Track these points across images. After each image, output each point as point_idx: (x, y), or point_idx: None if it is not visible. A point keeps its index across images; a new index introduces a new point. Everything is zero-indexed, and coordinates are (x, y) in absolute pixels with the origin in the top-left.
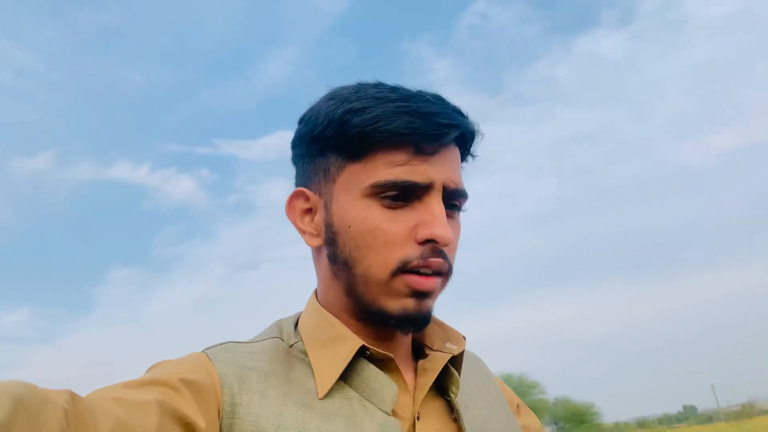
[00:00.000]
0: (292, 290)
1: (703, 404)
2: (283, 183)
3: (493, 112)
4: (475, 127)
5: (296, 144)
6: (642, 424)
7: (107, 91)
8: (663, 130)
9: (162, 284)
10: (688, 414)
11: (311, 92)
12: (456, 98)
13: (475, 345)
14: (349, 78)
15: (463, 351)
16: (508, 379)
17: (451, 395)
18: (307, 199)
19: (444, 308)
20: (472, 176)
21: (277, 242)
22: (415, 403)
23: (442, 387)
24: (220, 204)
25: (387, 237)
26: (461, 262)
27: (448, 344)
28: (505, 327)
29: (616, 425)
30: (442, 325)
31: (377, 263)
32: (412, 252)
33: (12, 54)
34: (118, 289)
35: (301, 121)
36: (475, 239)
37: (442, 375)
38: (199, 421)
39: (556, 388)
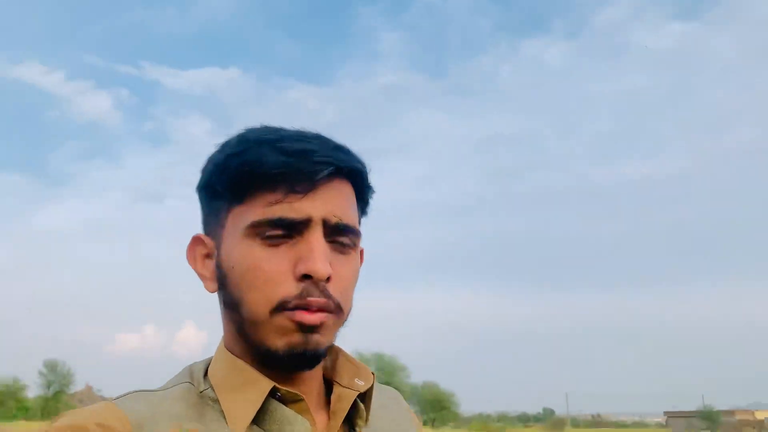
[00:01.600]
0: (194, 232)
1: (558, 409)
2: (203, 121)
3: (430, 96)
4: (357, 163)
5: (197, 192)
6: (502, 418)
7: None
8: (584, 147)
9: (53, 200)
10: (546, 416)
11: (250, 33)
12: (397, 74)
13: (357, 320)
14: (291, 28)
15: (372, 386)
16: (379, 359)
17: (357, 429)
18: (205, 244)
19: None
20: (398, 156)
21: (186, 181)
22: None
23: (351, 423)
24: (134, 129)
25: (267, 275)
26: (378, 240)
27: (356, 380)
28: (390, 308)
29: (479, 415)
30: (352, 361)
31: (258, 302)
32: (291, 290)
33: None
34: (2, 197)
35: (202, 170)
36: (387, 219)
37: (352, 411)
38: None
39: (425, 373)
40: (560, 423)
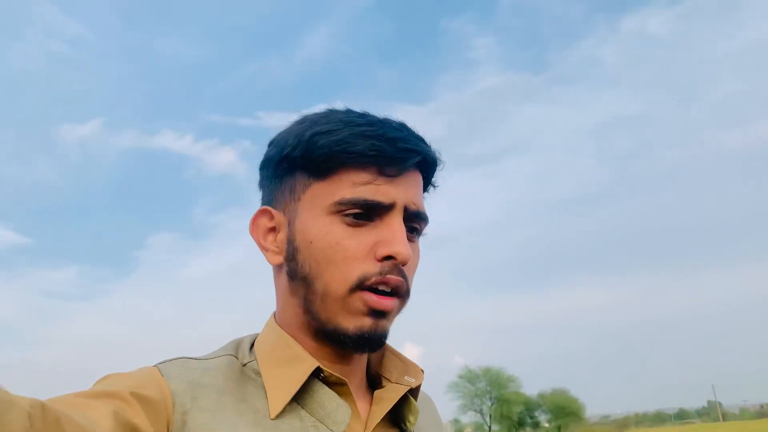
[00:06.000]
0: None
1: (725, 401)
2: None
3: (535, 92)
4: (437, 156)
5: (264, 166)
6: (658, 416)
7: (154, 62)
8: (710, 114)
9: (199, 250)
10: (711, 409)
11: (348, 68)
12: (496, 77)
13: (471, 332)
14: (385, 55)
15: (421, 384)
16: (486, 372)
17: (408, 424)
18: (272, 217)
19: (448, 288)
20: (510, 157)
21: None
22: (366, 430)
23: (396, 419)
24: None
25: (348, 253)
26: (483, 245)
27: (406, 377)
28: (509, 316)
29: (615, 418)
30: (400, 357)
31: (336, 279)
32: (371, 268)
33: (66, 25)
34: (157, 254)
35: (271, 144)
36: (497, 224)
37: (399, 406)
38: None
39: (548, 380)
40: (717, 414)
